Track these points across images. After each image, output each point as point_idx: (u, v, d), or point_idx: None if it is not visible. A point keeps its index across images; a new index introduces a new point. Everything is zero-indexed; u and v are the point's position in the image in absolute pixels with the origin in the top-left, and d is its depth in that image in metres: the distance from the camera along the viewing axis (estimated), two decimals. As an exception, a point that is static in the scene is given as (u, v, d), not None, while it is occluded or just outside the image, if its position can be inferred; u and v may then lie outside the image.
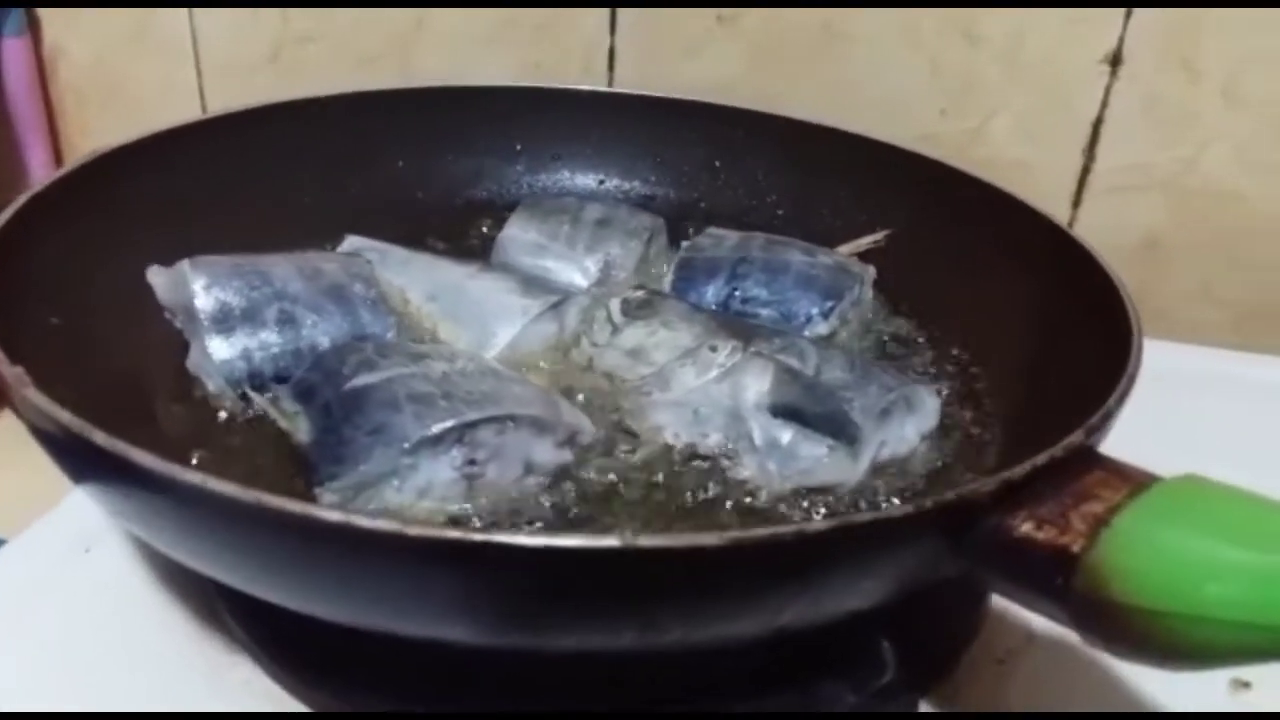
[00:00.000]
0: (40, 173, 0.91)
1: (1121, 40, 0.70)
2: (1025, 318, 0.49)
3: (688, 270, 0.52)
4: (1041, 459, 0.31)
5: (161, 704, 0.38)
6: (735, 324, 0.46)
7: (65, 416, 0.29)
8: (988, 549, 0.30)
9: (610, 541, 0.26)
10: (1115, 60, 0.71)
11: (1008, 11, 0.71)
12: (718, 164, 0.65)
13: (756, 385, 0.41)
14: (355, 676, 0.37)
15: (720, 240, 0.54)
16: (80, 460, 0.30)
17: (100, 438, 0.28)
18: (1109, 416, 0.34)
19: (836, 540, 0.27)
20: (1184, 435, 0.45)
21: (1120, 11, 0.69)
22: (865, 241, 0.58)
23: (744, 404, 0.41)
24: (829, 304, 0.50)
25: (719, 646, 0.32)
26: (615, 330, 0.47)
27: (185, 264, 0.45)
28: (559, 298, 0.48)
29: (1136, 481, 0.31)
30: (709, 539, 0.26)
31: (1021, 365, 0.47)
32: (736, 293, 0.50)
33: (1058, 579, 0.28)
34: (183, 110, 0.71)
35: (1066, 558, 0.28)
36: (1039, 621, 0.43)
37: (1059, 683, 0.41)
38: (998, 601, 0.43)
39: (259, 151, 0.58)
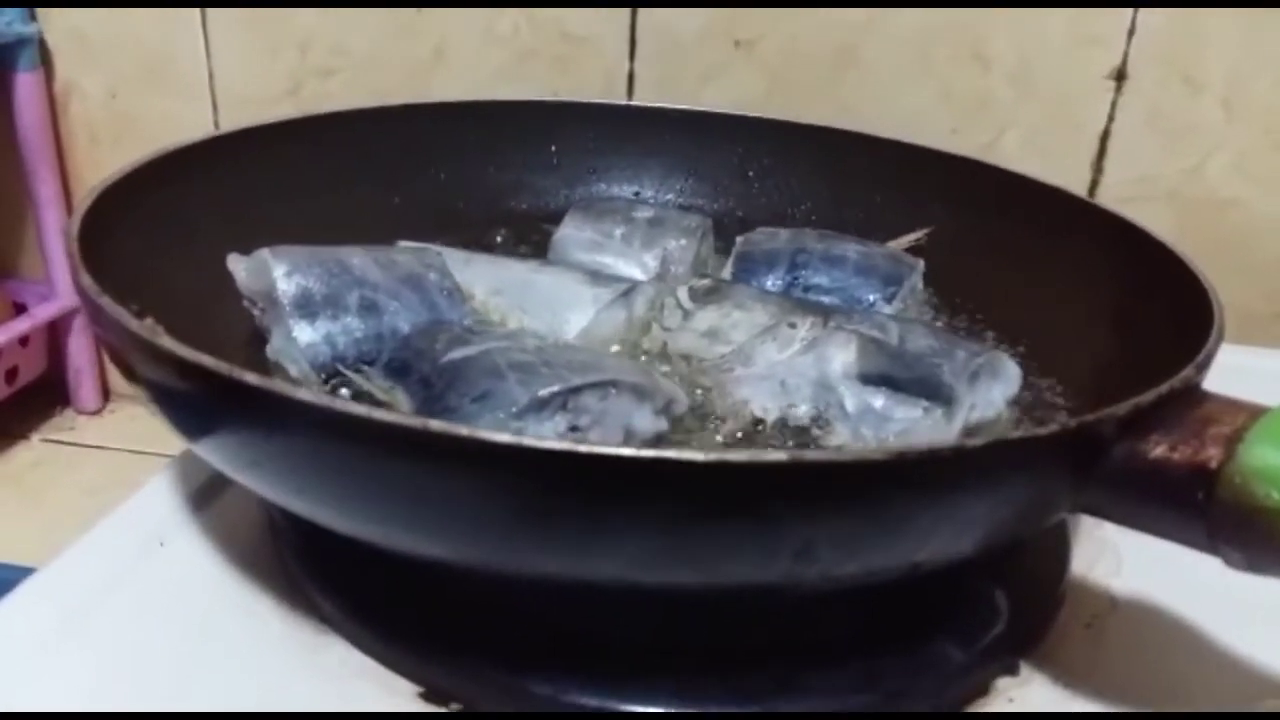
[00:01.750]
0: (49, 208, 0.91)
1: (1125, 57, 0.74)
2: (1078, 295, 0.51)
3: (747, 262, 0.53)
4: (1164, 388, 0.32)
5: (254, 690, 0.37)
6: (808, 304, 0.47)
7: (209, 361, 0.29)
8: (1123, 474, 0.31)
9: (778, 456, 0.26)
10: (1120, 76, 0.74)
11: (1016, 32, 0.74)
12: (751, 174, 0.67)
13: (842, 356, 0.42)
14: (461, 645, 0.36)
15: (774, 235, 0.55)
16: (220, 406, 0.30)
17: (253, 378, 0.28)
18: (1210, 355, 0.35)
19: (992, 457, 0.28)
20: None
21: (1124, 29, 0.72)
22: (908, 239, 0.60)
23: (831, 374, 0.42)
24: (891, 289, 0.51)
25: (852, 586, 0.32)
26: (687, 315, 0.47)
27: (265, 251, 0.45)
28: (628, 285, 0.49)
29: (1251, 408, 0.32)
30: (874, 453, 0.27)
31: (1084, 339, 0.48)
32: (798, 281, 0.51)
33: (1198, 494, 0.29)
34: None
35: (1206, 472, 0.29)
36: (1121, 588, 0.44)
37: (1148, 644, 0.41)
38: (1078, 567, 0.44)
39: (301, 161, 0.58)
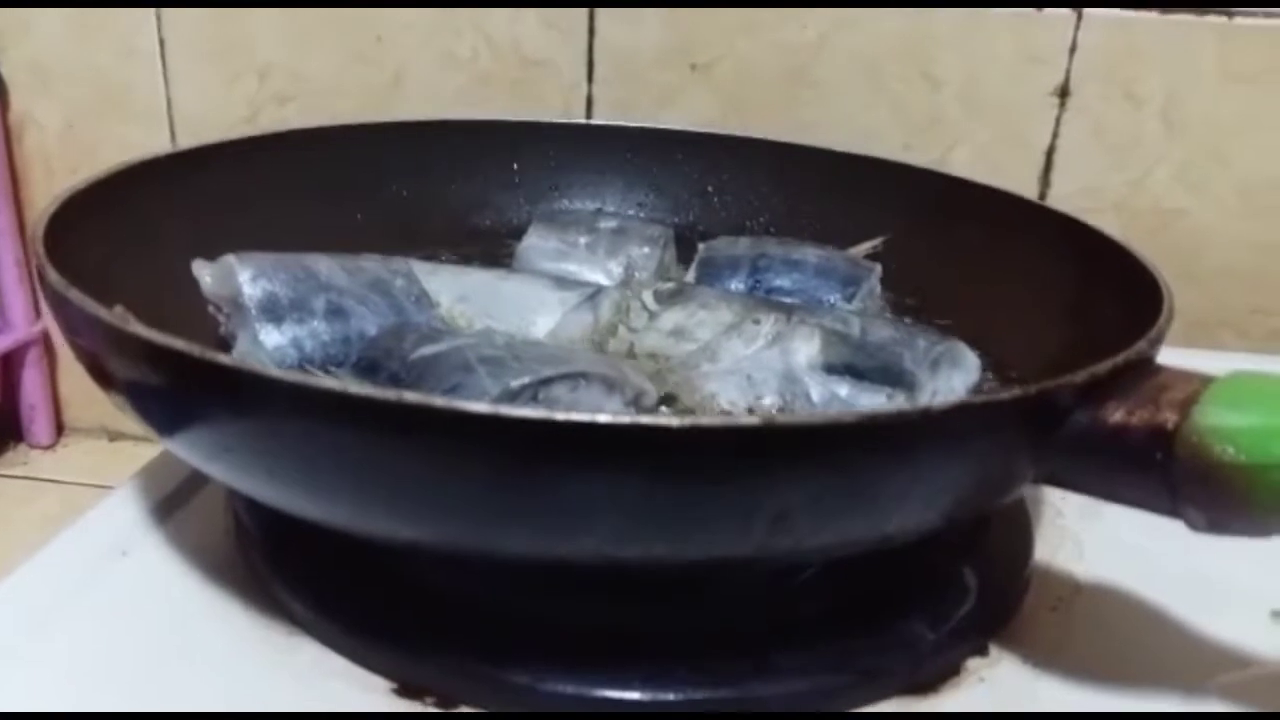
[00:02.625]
0: (3, 240, 0.90)
1: (1068, 74, 0.76)
2: (1033, 294, 0.52)
3: (710, 267, 0.54)
4: (1119, 359, 0.33)
5: (226, 695, 0.36)
6: (771, 302, 0.48)
7: (181, 344, 0.29)
8: (1084, 440, 0.31)
9: (751, 420, 0.27)
10: (1064, 93, 0.77)
11: (963, 51, 0.77)
12: (710, 189, 0.68)
13: (806, 348, 0.43)
14: (433, 638, 0.36)
15: (735, 242, 0.56)
16: (193, 392, 0.30)
17: (226, 358, 0.28)
18: (1162, 332, 0.36)
19: (956, 420, 0.29)
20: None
21: (1066, 47, 0.75)
22: (864, 247, 0.61)
23: (796, 366, 0.43)
24: (850, 290, 0.52)
25: (825, 561, 0.32)
26: (653, 316, 0.48)
27: (231, 257, 0.45)
28: (594, 289, 0.50)
29: (1203, 376, 0.33)
30: (845, 416, 0.27)
31: (1041, 333, 0.49)
32: (760, 284, 0.52)
33: (1157, 454, 0.30)
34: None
35: (1163, 433, 0.30)
36: (1084, 573, 0.45)
37: (1112, 624, 0.42)
38: (1041, 555, 0.45)
39: (264, 179, 0.58)
